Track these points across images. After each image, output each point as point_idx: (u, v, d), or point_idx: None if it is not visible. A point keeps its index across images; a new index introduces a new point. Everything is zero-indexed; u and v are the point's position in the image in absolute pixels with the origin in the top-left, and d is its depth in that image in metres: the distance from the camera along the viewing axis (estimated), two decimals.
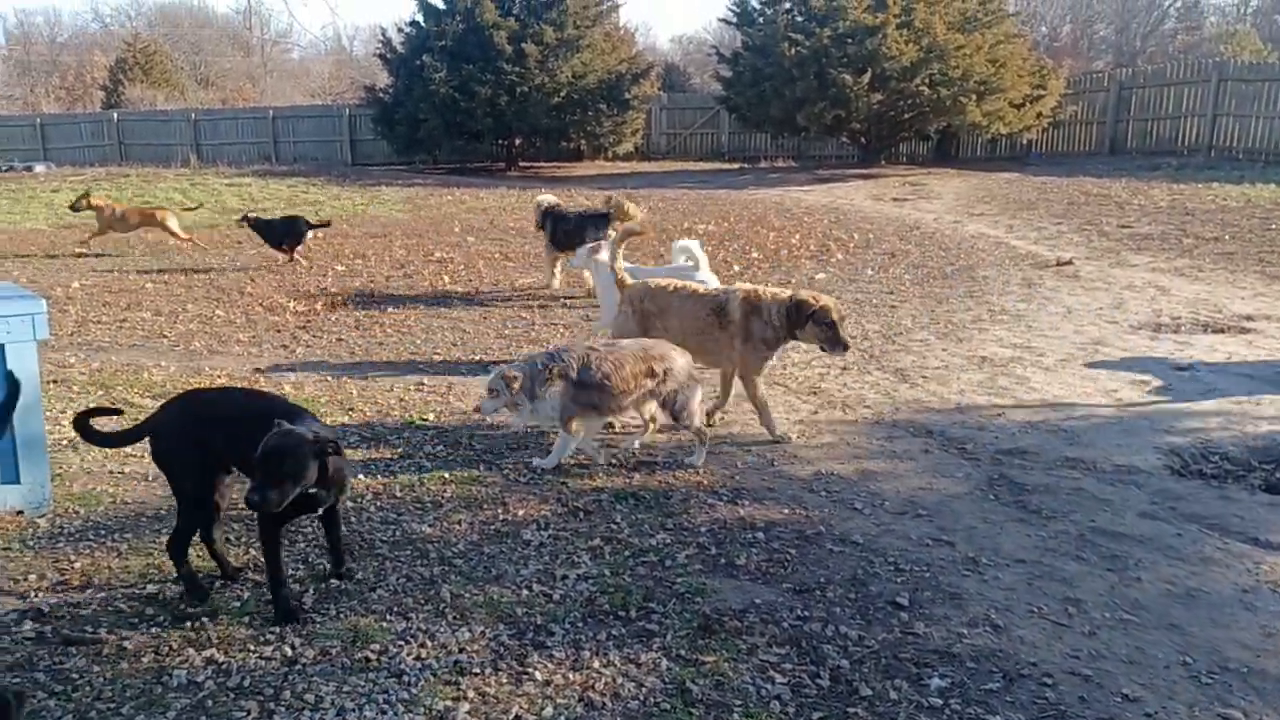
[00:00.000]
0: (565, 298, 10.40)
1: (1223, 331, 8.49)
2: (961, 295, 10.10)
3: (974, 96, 22.25)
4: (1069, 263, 11.68)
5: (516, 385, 5.18)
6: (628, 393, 5.29)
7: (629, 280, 6.38)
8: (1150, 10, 51.64)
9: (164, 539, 4.28)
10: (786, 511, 4.83)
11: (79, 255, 13.45)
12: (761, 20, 25.50)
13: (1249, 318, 8.90)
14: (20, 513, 4.50)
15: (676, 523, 4.65)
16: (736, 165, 28.37)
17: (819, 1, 23.43)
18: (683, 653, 3.48)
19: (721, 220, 15.95)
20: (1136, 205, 15.93)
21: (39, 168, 27.67)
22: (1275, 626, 3.72)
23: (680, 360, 5.43)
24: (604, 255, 8.13)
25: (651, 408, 5.59)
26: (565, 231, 10.66)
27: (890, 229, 14.79)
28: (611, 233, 10.61)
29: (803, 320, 5.55)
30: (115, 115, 35.07)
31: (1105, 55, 52.05)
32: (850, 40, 22.61)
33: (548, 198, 11.32)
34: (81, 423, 3.73)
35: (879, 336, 8.49)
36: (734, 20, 26.71)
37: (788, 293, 5.77)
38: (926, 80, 22.29)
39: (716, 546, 4.39)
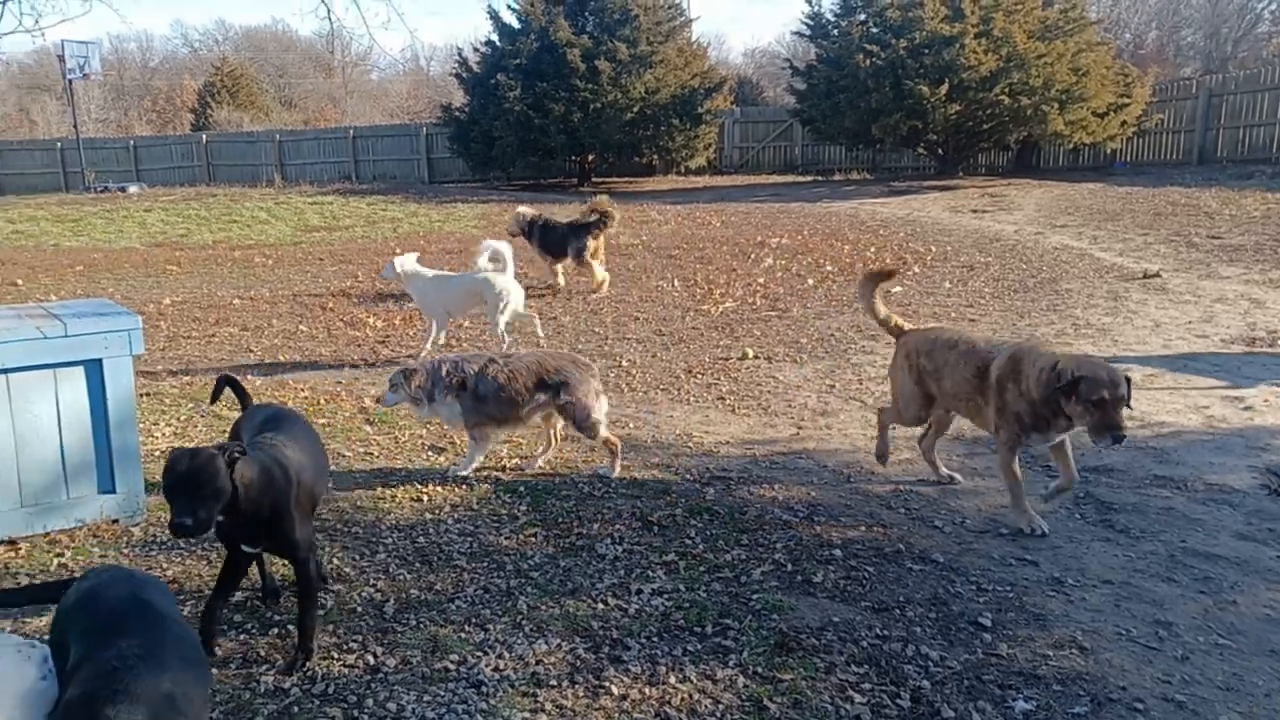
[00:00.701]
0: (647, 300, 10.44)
1: None
2: (1044, 309, 9.87)
3: (1056, 105, 21.78)
4: (1156, 275, 11.33)
5: (415, 382, 5.39)
6: (520, 404, 5.37)
7: (905, 325, 5.56)
8: (1242, 14, 49.96)
9: None
10: (864, 529, 4.77)
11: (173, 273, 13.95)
12: (836, 32, 25.36)
13: None
14: (115, 521, 4.66)
15: (751, 539, 4.63)
16: (810, 178, 28.21)
17: (895, 12, 23.22)
18: (760, 670, 3.45)
19: (795, 233, 15.86)
20: (1228, 215, 15.40)
21: (132, 188, 28.79)
22: None
23: (577, 372, 5.44)
24: (409, 265, 8.69)
25: (555, 421, 5.65)
26: (553, 240, 11.63)
27: (968, 241, 14.54)
28: (590, 242, 11.36)
29: (1064, 393, 4.29)
30: (204, 137, 36.34)
31: (1193, 61, 50.50)
32: (927, 50, 22.34)
33: (527, 210, 12.04)
34: None
35: None
36: (808, 33, 26.61)
37: (1056, 355, 4.49)
38: (1006, 90, 21.90)
39: (793, 563, 4.35)
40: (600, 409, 5.49)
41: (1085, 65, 22.26)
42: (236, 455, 3.20)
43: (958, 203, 19.87)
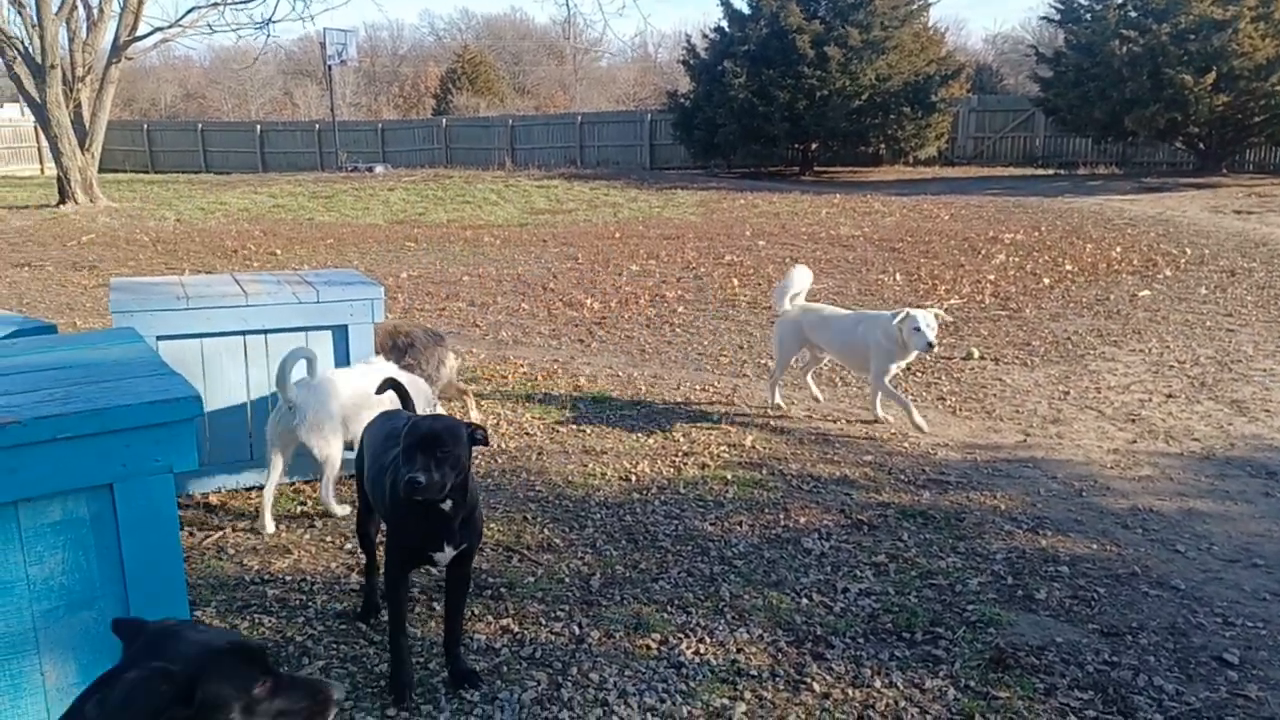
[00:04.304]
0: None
1: None
2: None
3: None
4: None
5: None
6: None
7: None
8: None
9: (494, 513, 4.62)
10: (1095, 546, 4.43)
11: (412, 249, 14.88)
12: (1090, 17, 23.66)
13: None
14: (353, 475, 5.00)
15: (969, 547, 4.40)
16: (1051, 171, 26.55)
17: None
18: (972, 684, 3.27)
19: (1032, 230, 14.98)
20: None
21: (378, 169, 30.87)
22: None
23: (424, 338, 5.84)
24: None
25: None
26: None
27: (1230, 244, 13.25)
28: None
29: None
30: (444, 121, 38.45)
31: None
32: (1193, 36, 20.47)
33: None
34: None
35: (1212, 363, 7.62)
36: (1057, 17, 24.99)
37: None
38: None
39: (1013, 576, 4.10)
40: (446, 372, 5.93)
41: None
42: (480, 436, 2.99)
43: (1219, 202, 18.14)
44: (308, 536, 4.38)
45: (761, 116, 25.83)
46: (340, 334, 4.70)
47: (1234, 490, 5.14)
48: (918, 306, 6.22)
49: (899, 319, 6.00)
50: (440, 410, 5.42)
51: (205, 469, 4.67)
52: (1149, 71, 20.81)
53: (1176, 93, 20.34)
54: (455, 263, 13.40)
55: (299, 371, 4.30)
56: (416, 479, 2.76)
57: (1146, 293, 10.24)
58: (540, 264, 13.15)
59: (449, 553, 3.04)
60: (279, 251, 14.42)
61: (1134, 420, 6.29)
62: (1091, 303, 9.89)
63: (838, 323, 6.49)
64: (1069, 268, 11.70)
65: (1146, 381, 7.20)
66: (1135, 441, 5.91)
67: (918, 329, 5.89)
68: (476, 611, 3.67)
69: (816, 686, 3.24)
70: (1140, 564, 4.25)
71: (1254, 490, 5.15)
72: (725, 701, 3.12)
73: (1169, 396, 6.80)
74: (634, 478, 5.22)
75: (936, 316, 6.07)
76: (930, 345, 5.92)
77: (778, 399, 6.71)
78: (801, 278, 6.79)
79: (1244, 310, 9.40)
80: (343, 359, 4.60)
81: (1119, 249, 12.93)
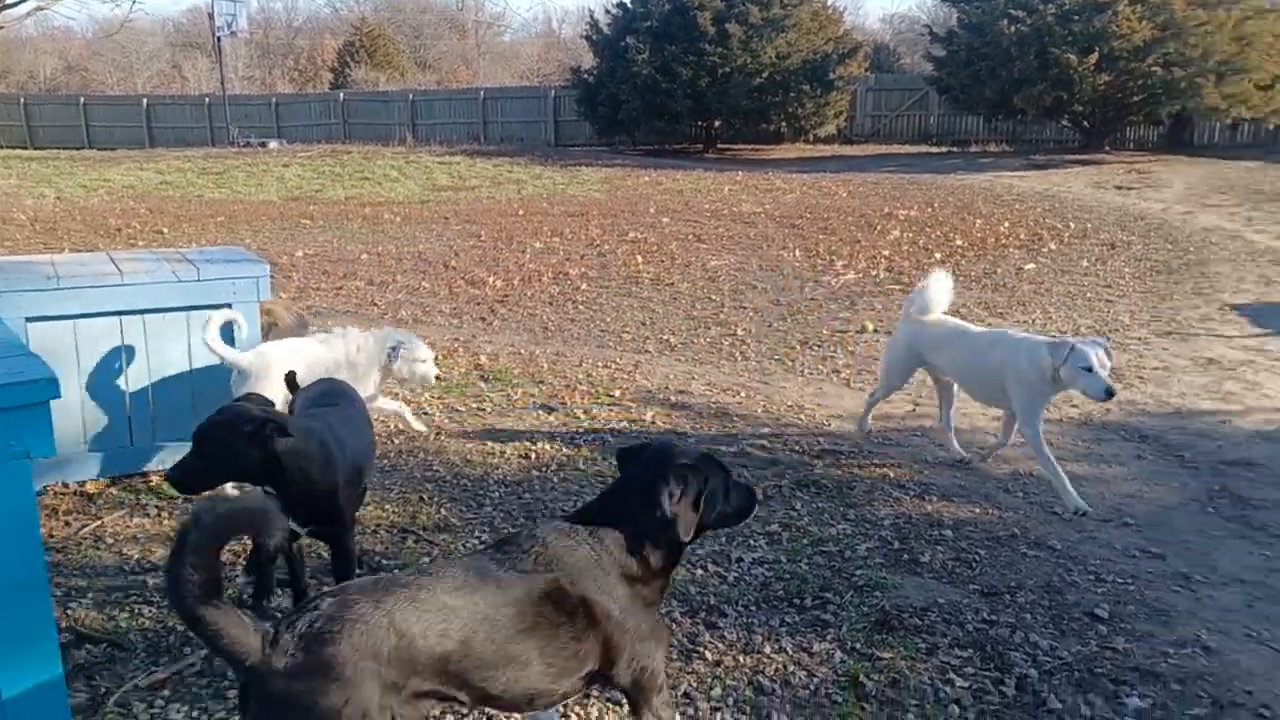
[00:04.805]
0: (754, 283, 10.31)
1: None
2: (1188, 292, 9.32)
3: (1213, 78, 20.38)
4: None
5: None
6: None
7: None
8: None
9: (390, 495, 4.55)
10: (978, 510, 4.60)
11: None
12: None
13: None
14: None
15: (859, 514, 4.53)
16: (944, 149, 27.25)
17: None
18: (858, 646, 3.37)
19: (925, 206, 15.37)
20: None
21: (272, 144, 29.96)
22: None
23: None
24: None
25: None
26: None
27: (1111, 219, 13.82)
28: None
29: None
30: (341, 95, 37.46)
31: None
32: (1076, 17, 21.19)
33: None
34: None
35: (1091, 333, 7.95)
36: None
37: None
38: (1160, 60, 20.60)
39: (900, 541, 4.24)
40: None
41: (1250, 34, 20.72)
42: (273, 429, 2.94)
43: (1102, 178, 18.90)
44: None
45: (665, 93, 25.85)
46: None
47: (1109, 454, 5.39)
48: (1079, 335, 5.07)
49: (1058, 352, 4.55)
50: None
51: (80, 456, 4.48)
52: (1036, 51, 21.48)
53: (1062, 72, 21.05)
54: (353, 240, 13.12)
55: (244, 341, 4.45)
56: (169, 471, 2.99)
57: (1032, 266, 10.63)
58: (442, 241, 12.96)
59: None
60: (166, 230, 13.89)
61: None
62: (980, 276, 10.22)
63: (965, 341, 5.15)
64: (960, 243, 12.06)
65: None
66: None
67: (1088, 369, 4.43)
68: None
69: (709, 655, 3.30)
70: (1020, 526, 4.44)
71: (1127, 454, 5.41)
72: None
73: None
74: (534, 455, 5.21)
75: (1108, 351, 4.61)
76: (1110, 393, 4.44)
77: (869, 422, 5.65)
78: (941, 289, 5.35)
79: (1122, 282, 9.83)
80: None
81: (1007, 224, 13.37)
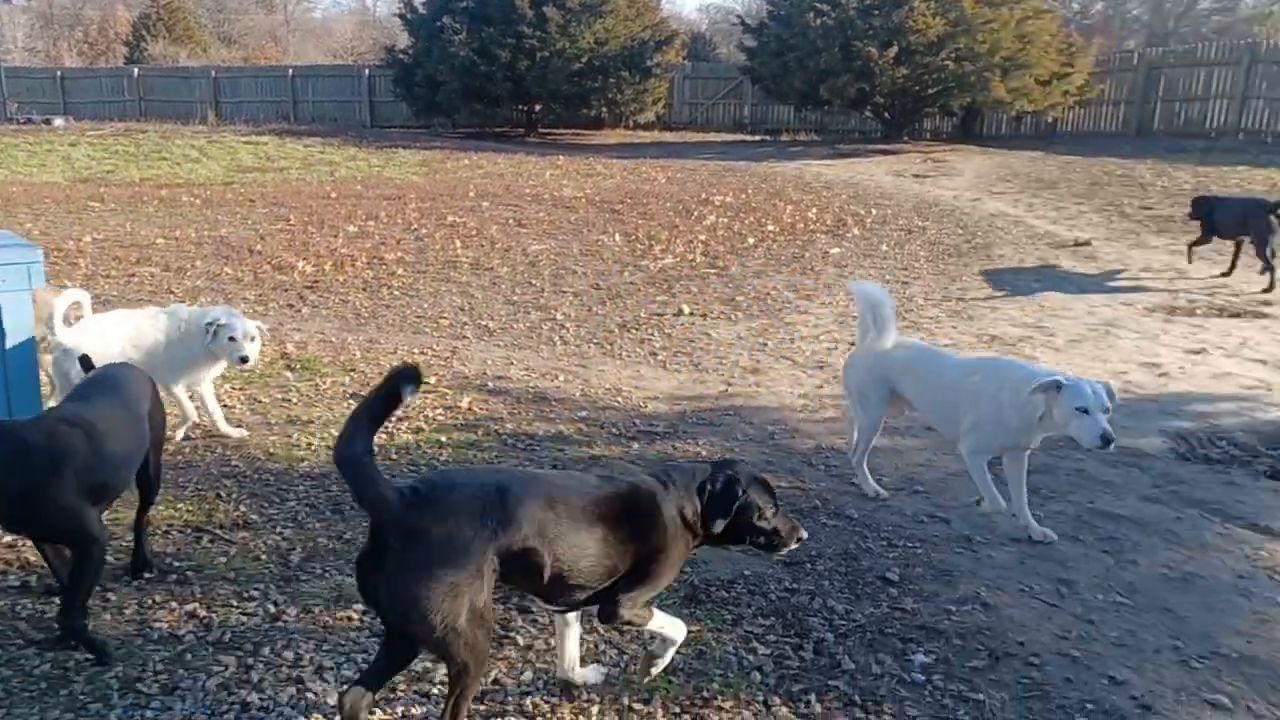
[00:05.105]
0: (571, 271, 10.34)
1: (1239, 316, 8.36)
2: (975, 273, 9.99)
3: (999, 73, 21.87)
4: (1087, 243, 11.52)
5: None
6: None
7: None
8: None
9: (184, 492, 4.30)
10: (783, 484, 4.78)
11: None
12: None
13: (1266, 302, 8.76)
14: None
15: None
16: (758, 137, 28.11)
17: None
18: None
19: (739, 192, 15.81)
20: (1160, 187, 15.68)
21: (58, 121, 27.73)
22: (1269, 613, 3.67)
23: None
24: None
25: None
26: None
27: (909, 205, 14.63)
28: None
29: None
30: (136, 71, 35.05)
31: (1138, 34, 51.09)
32: (876, 12, 22.26)
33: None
34: None
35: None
36: None
37: None
38: (952, 55, 21.93)
39: None
40: None
41: (1030, 33, 22.36)
42: None
43: (901, 167, 19.98)
44: None
45: (484, 76, 25.49)
46: None
47: (903, 426, 5.71)
48: (1075, 373, 4.24)
49: (1045, 388, 3.97)
50: None
51: None
52: (840, 44, 22.42)
53: (864, 65, 22.07)
54: (149, 224, 12.31)
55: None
56: None
57: (837, 250, 11.12)
58: (247, 225, 12.34)
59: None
60: None
61: (822, 367, 6.85)
62: (789, 260, 10.62)
63: (937, 367, 4.60)
64: (771, 228, 12.48)
65: (834, 332, 7.84)
66: (822, 386, 6.44)
67: (1084, 410, 3.86)
68: (158, 599, 3.43)
69: (520, 640, 3.30)
70: (821, 497, 4.65)
71: (919, 425, 5.75)
72: (427, 664, 3.10)
73: (853, 344, 7.43)
74: None
75: (1111, 393, 3.99)
76: (1107, 440, 3.85)
77: (873, 484, 4.76)
78: (884, 305, 4.78)
79: (917, 264, 10.44)
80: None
81: (815, 210, 13.94)
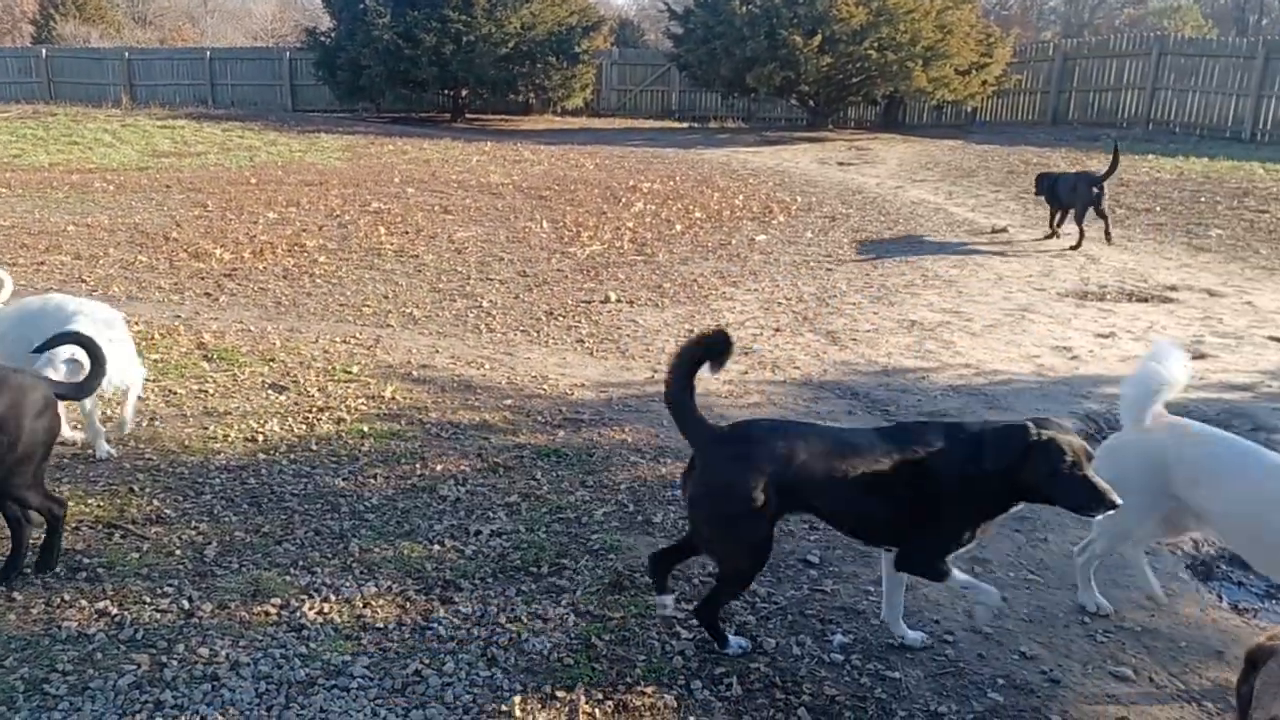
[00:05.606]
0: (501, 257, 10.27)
1: (1146, 301, 8.66)
2: (896, 260, 10.17)
3: (920, 62, 22.24)
4: (1003, 230, 11.81)
5: None
6: None
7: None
8: None
9: (63, 488, 4.17)
10: None
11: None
12: None
13: (1173, 288, 9.08)
14: None
15: (597, 480, 4.64)
16: (686, 124, 28.16)
17: None
18: (591, 609, 3.47)
19: (667, 179, 15.84)
20: None
21: None
22: (1170, 587, 3.82)
23: None
24: None
25: None
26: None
27: (833, 193, 14.82)
28: None
29: None
30: (44, 51, 33.69)
31: (1054, 26, 52.46)
32: (801, 1, 22.45)
33: None
34: None
35: (813, 299, 8.51)
36: None
37: None
38: (875, 44, 22.23)
39: (635, 504, 4.38)
40: None
41: (950, 23, 22.77)
42: None
43: (826, 155, 20.22)
44: None
45: (409, 60, 25.07)
46: None
47: (825, 410, 5.81)
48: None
49: None
50: None
51: None
52: (765, 31, 22.57)
53: (789, 53, 22.25)
54: (58, 211, 11.88)
55: None
56: None
57: (763, 237, 11.22)
58: (163, 212, 11.99)
59: None
60: None
61: (747, 353, 6.91)
62: (716, 247, 10.69)
63: (1257, 471, 3.17)
64: (698, 215, 12.54)
65: (759, 318, 7.92)
66: (747, 372, 6.50)
67: None
68: (67, 597, 3.33)
69: (442, 630, 3.28)
70: None
71: (840, 410, 5.86)
72: (347, 658, 3.08)
73: (777, 330, 7.53)
74: (261, 438, 4.96)
75: None
76: None
77: (1155, 585, 3.68)
78: (1175, 366, 3.40)
79: (840, 251, 10.59)
80: None
81: (741, 197, 14.04)
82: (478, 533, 4.02)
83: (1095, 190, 10.63)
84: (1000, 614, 3.56)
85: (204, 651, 3.06)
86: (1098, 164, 12.87)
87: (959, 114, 27.09)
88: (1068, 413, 5.79)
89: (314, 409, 5.43)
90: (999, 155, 18.94)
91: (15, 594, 3.32)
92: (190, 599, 3.36)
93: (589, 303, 8.32)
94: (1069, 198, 11.00)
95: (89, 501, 4.08)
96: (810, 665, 3.20)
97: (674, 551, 3.37)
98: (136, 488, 4.26)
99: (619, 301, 8.36)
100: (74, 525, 3.86)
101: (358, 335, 7.10)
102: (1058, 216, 11.35)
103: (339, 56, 26.42)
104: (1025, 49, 27.86)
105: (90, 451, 4.62)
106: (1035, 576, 3.88)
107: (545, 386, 6.12)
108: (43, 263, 9.00)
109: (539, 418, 5.49)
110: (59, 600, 3.32)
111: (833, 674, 3.16)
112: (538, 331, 7.47)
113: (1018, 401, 5.98)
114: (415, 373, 6.23)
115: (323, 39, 27.51)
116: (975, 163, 18.19)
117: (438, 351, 6.77)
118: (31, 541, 3.47)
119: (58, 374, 3.90)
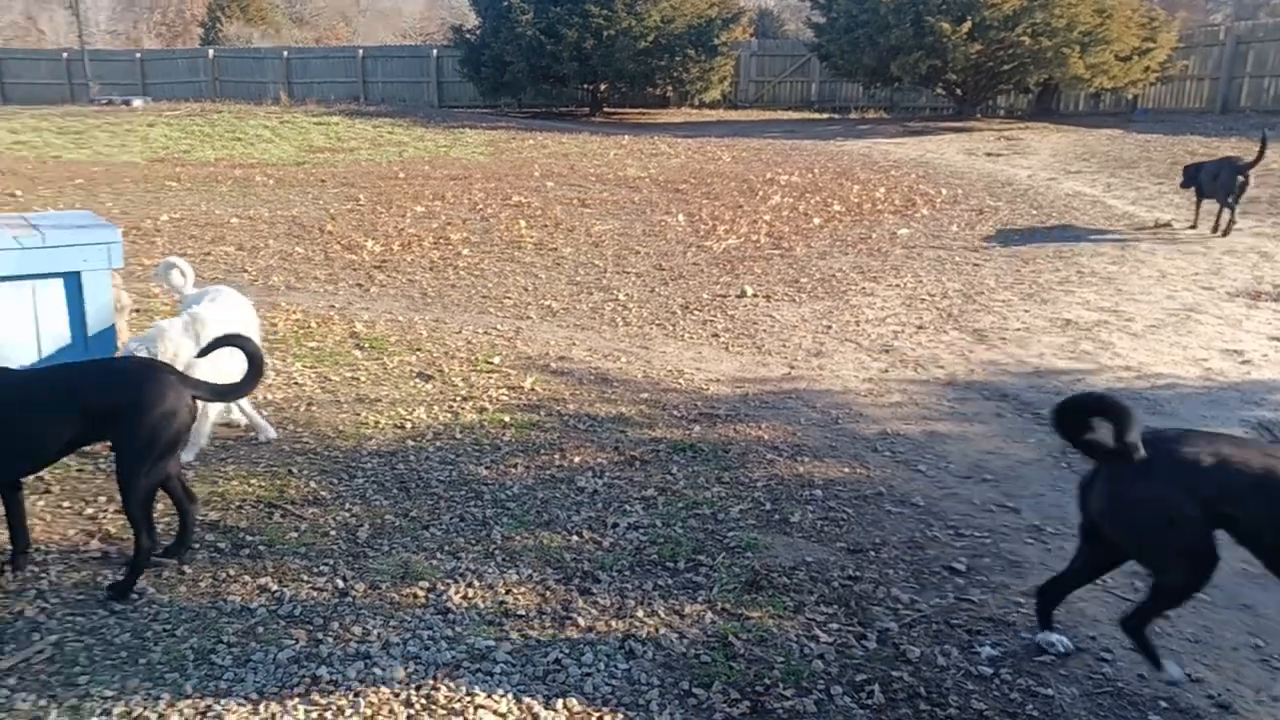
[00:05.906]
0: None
1: None
2: (1050, 255, 9.73)
3: (1077, 48, 21.19)
4: (1167, 225, 11.16)
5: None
6: None
7: None
8: None
9: (228, 469, 4.41)
10: (847, 470, 4.74)
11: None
12: None
13: None
14: None
15: (733, 476, 4.60)
16: (825, 115, 27.70)
17: None
18: (728, 607, 3.44)
19: (806, 171, 15.62)
20: None
21: (137, 102, 28.43)
22: None
23: None
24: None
25: None
26: None
27: (980, 185, 14.31)
28: None
29: None
30: (211, 52, 35.80)
31: (1225, 8, 49.13)
32: None
33: None
34: None
35: (959, 295, 8.24)
36: None
37: None
38: (1028, 30, 21.31)
39: (772, 502, 4.33)
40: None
41: (1110, 7, 21.62)
42: None
43: (973, 145, 19.54)
44: (42, 503, 4.05)
45: (550, 55, 25.50)
46: (72, 282, 4.31)
47: (971, 413, 5.61)
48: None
49: None
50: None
51: None
52: (911, 19, 21.95)
53: (936, 40, 21.58)
54: (223, 204, 12.58)
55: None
56: None
57: (905, 231, 10.93)
58: (318, 205, 12.55)
59: None
60: (19, 192, 13.05)
61: (888, 351, 6.74)
62: (856, 241, 10.47)
63: None
64: (837, 208, 12.31)
65: (901, 314, 7.72)
66: (888, 370, 6.34)
67: None
68: (232, 572, 3.52)
69: (581, 621, 3.32)
70: (886, 484, 4.58)
71: (988, 412, 5.64)
72: (490, 643, 3.14)
73: (919, 328, 7.32)
74: (409, 425, 5.13)
75: None
76: None
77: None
78: None
79: (988, 246, 10.21)
80: (76, 309, 4.24)
81: (883, 190, 13.71)
82: (615, 525, 4.04)
83: (1240, 179, 10.33)
84: (1164, 633, 3.36)
85: (357, 630, 3.18)
86: (1273, 154, 12.00)
87: (1119, 102, 25.74)
88: (1238, 420, 5.42)
89: (458, 398, 5.58)
90: (1162, 145, 17.89)
91: (185, 568, 3.52)
92: (344, 578, 3.50)
93: (724, 297, 8.28)
94: (1210, 186, 10.71)
95: (252, 482, 4.30)
96: (956, 677, 3.08)
97: (1068, 580, 3.24)
98: (295, 470, 4.47)
99: (755, 296, 8.29)
100: (238, 504, 4.08)
101: (499, 327, 7.26)
102: (1201, 206, 11.07)
103: (483, 53, 27.09)
104: (1193, 33, 26.20)
105: (254, 434, 4.87)
106: (1201, 595, 3.64)
107: (680, 381, 6.11)
108: (209, 254, 9.55)
109: (674, 412, 5.49)
110: (224, 575, 3.50)
111: (980, 687, 3.04)
112: (673, 325, 7.47)
113: (1183, 407, 5.64)
114: (553, 364, 6.32)
115: (468, 36, 28.25)
116: (1136, 153, 17.23)
117: (575, 344, 6.86)
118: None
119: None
